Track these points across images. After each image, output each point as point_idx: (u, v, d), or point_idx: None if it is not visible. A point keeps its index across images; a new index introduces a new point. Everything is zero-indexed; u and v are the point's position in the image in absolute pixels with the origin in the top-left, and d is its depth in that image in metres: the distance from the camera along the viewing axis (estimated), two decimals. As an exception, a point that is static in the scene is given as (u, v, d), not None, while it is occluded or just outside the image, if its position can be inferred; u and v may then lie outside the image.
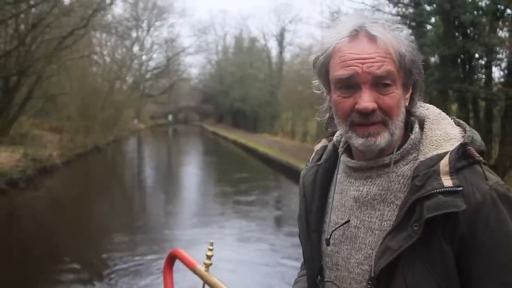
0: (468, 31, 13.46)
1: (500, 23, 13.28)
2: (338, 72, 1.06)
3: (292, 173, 16.26)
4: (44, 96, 21.33)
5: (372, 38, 1.04)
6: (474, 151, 1.03)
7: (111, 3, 22.32)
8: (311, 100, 25.07)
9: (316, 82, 1.17)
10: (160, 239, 9.16)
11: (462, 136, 1.07)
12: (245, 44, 52.87)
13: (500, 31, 13.89)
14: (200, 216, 11.32)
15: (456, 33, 13.56)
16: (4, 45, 19.05)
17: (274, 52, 48.09)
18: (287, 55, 44.95)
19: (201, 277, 2.02)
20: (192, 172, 20.78)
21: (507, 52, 13.03)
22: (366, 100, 1.03)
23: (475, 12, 12.94)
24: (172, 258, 2.33)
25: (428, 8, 14.88)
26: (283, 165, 18.07)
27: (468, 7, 12.80)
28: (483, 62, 14.34)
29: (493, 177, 1.03)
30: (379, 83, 1.04)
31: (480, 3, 13.49)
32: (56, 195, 13.18)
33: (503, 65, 14.04)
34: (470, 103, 14.18)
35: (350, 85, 1.05)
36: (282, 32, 45.95)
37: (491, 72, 14.40)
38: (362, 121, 1.05)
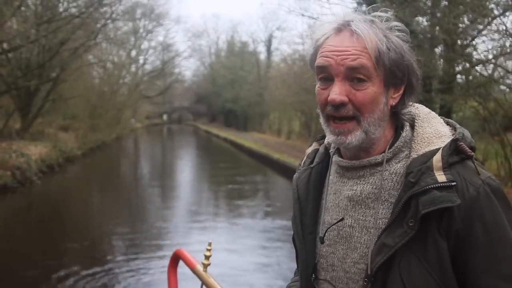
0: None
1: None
2: (317, 61, 1.08)
3: (269, 162, 19.99)
4: (60, 99, 24.67)
5: (353, 33, 1.05)
6: (465, 146, 1.04)
7: (115, 19, 25.64)
8: (289, 102, 28.59)
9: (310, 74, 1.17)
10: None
11: (452, 134, 1.08)
12: (236, 48, 55.65)
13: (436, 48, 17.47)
14: (194, 187, 14.97)
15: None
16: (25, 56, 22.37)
17: (262, 56, 51.54)
18: (275, 59, 48.11)
19: (199, 277, 2.05)
20: (187, 163, 24.42)
21: (442, 65, 16.59)
22: (335, 92, 1.04)
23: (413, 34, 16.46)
24: (176, 258, 2.34)
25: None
26: (263, 156, 21.78)
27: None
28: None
29: (485, 172, 1.04)
30: (354, 78, 1.04)
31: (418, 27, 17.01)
32: (81, 176, 17.78)
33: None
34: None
35: (328, 77, 1.07)
36: (269, 38, 49.49)
37: (430, 80, 17.97)
38: (333, 113, 1.06)
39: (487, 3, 12.46)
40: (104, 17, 22.40)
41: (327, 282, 1.15)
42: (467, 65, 13.70)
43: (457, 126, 1.10)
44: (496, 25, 11.86)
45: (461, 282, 1.01)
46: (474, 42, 14.06)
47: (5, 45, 16.98)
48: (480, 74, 12.94)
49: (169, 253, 7.88)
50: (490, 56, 13.01)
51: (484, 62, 13.08)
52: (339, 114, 1.06)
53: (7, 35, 15.42)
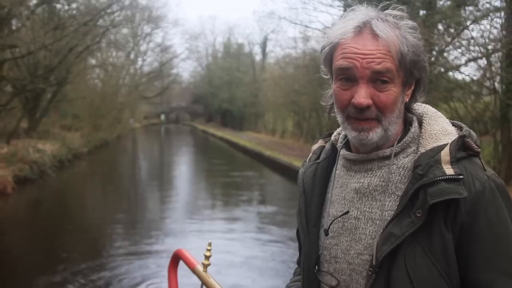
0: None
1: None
2: (338, 62, 1.07)
3: (262, 159, 21.55)
4: (64, 100, 26.11)
5: (375, 36, 1.04)
6: (472, 143, 1.06)
7: (117, 25, 27.06)
8: (281, 103, 30.08)
9: (323, 68, 1.17)
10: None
11: (458, 133, 1.10)
12: (232, 50, 56.72)
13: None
14: (192, 180, 16.49)
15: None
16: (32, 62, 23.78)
17: (258, 58, 52.65)
18: (271, 61, 49.09)
19: (199, 277, 2.06)
20: (185, 160, 25.91)
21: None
22: (362, 95, 1.05)
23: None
24: (176, 258, 2.36)
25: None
26: (256, 153, 23.35)
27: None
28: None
29: (490, 169, 1.06)
30: (377, 80, 1.05)
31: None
32: (88, 170, 19.81)
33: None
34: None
35: (349, 78, 1.07)
36: (264, 41, 50.70)
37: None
38: (357, 115, 1.07)
39: (462, 12, 13.93)
40: (107, 24, 23.91)
41: (329, 274, 1.16)
42: (440, 70, 15.21)
43: (463, 125, 1.13)
44: (470, 32, 13.29)
45: (462, 275, 1.02)
46: (448, 49, 15.57)
47: (12, 50, 18.41)
48: (448, 80, 14.44)
49: (166, 226, 9.54)
50: (463, 61, 14.53)
51: (452, 69, 14.60)
52: (363, 117, 1.07)
53: (19, 42, 16.86)
